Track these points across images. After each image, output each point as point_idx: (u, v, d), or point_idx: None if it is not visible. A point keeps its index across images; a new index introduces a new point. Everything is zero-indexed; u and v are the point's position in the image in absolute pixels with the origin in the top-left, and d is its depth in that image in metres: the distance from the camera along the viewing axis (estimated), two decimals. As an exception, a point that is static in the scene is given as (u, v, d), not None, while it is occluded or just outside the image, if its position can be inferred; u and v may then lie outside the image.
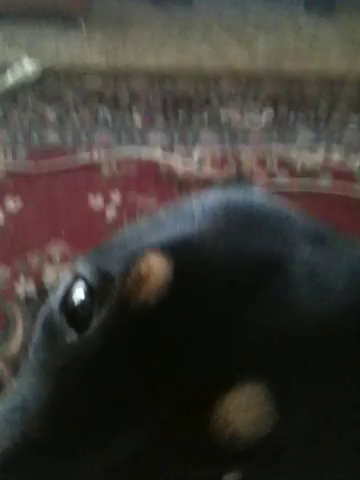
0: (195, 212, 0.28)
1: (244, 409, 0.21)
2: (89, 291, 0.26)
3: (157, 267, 0.24)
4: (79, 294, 0.27)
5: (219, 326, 0.22)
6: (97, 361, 0.24)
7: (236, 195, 0.33)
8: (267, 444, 0.21)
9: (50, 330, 0.28)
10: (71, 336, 0.26)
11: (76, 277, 0.28)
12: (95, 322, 0.25)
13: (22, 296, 1.01)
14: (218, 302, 0.23)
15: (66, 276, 0.30)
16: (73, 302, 0.27)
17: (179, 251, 0.24)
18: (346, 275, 0.27)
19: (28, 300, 1.00)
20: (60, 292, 0.28)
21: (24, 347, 0.93)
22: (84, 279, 0.27)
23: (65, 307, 0.27)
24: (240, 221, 0.28)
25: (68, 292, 0.28)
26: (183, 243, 0.25)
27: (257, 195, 0.34)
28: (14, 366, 0.90)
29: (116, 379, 0.23)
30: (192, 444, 0.21)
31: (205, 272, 0.24)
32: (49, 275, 1.05)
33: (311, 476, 0.23)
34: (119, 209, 1.19)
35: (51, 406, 0.24)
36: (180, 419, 0.21)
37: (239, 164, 1.34)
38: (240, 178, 0.37)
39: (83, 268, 0.28)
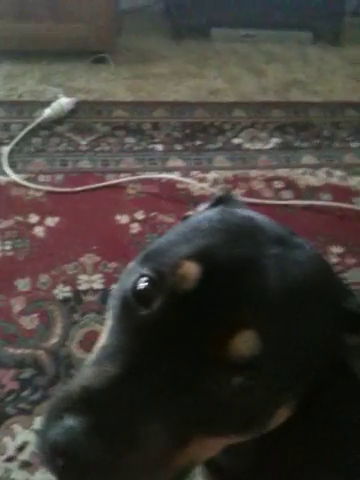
0: (205, 227, 0.48)
1: (245, 341, 0.41)
2: (151, 281, 0.45)
3: (191, 269, 0.43)
4: (142, 284, 0.46)
5: (229, 299, 0.42)
6: (161, 326, 0.43)
7: (226, 213, 0.51)
8: (257, 359, 0.41)
9: (124, 306, 0.46)
10: (141, 310, 0.44)
11: (141, 275, 0.46)
12: (156, 302, 0.44)
13: (60, 298, 1.19)
14: (227, 284, 0.42)
15: (131, 274, 0.48)
16: (140, 288, 0.46)
17: (202, 259, 0.44)
18: (300, 261, 0.46)
19: (65, 301, 1.18)
20: (129, 282, 0.47)
21: (62, 339, 1.11)
22: (147, 275, 0.46)
23: (135, 291, 0.46)
24: (231, 233, 0.47)
25: (136, 283, 0.46)
26: (204, 254, 0.44)
27: (240, 210, 0.53)
28: (53, 355, 1.08)
29: (172, 333, 0.42)
30: (218, 362, 0.41)
31: (217, 269, 0.43)
32: (82, 280, 1.23)
33: (277, 380, 0.43)
34: (142, 224, 1.37)
35: (130, 353, 0.42)
36: (212, 349, 0.41)
37: (248, 185, 1.52)
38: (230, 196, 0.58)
39: (146, 270, 0.46)
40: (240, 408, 0.42)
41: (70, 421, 0.38)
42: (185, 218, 0.58)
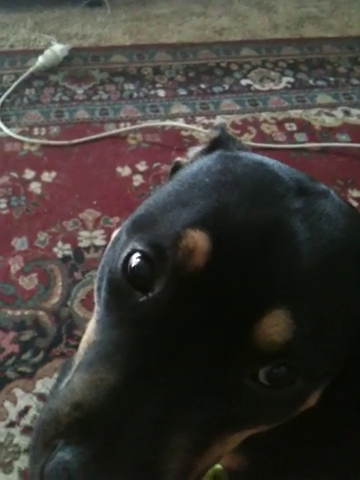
0: (205, 182, 0.37)
1: (275, 325, 0.31)
2: (146, 259, 0.34)
3: (200, 241, 0.33)
4: (136, 262, 0.35)
5: (251, 273, 0.32)
6: (167, 314, 0.32)
7: (229, 161, 0.40)
8: (290, 345, 0.32)
9: (116, 291, 0.36)
10: (138, 296, 0.34)
11: (132, 251, 0.36)
12: (157, 285, 0.33)
13: (60, 256, 1.12)
14: (247, 257, 0.32)
15: (119, 247, 0.38)
16: (133, 268, 0.35)
17: (212, 226, 0.33)
18: (330, 214, 0.36)
19: (65, 259, 1.11)
20: (121, 261, 0.36)
21: (63, 299, 1.04)
22: (140, 251, 0.35)
23: (127, 272, 0.36)
24: (241, 187, 0.36)
25: (127, 261, 0.36)
26: (213, 219, 0.34)
27: (245, 155, 0.41)
28: (54, 316, 1.02)
29: (183, 324, 0.32)
30: (247, 353, 0.32)
31: (232, 238, 0.33)
32: (83, 237, 1.15)
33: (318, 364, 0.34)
34: (145, 176, 1.28)
35: (131, 352, 0.32)
36: (234, 337, 0.32)
37: (258, 129, 1.40)
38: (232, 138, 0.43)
39: (137, 243, 0.36)
40: (274, 401, 0.34)
41: (63, 454, 0.28)
42: (176, 166, 0.46)
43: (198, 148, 0.47)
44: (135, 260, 0.35)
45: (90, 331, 0.37)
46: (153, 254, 0.34)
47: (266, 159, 0.41)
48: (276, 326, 0.31)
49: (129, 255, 0.36)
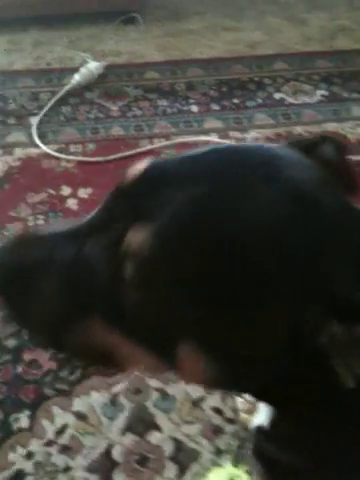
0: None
1: (138, 232, 0.35)
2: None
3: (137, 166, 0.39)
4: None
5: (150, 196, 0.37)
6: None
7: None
8: (150, 256, 0.35)
9: None
10: None
11: None
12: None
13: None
14: (157, 185, 0.37)
15: None
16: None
17: (156, 163, 0.40)
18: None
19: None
20: None
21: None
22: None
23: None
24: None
25: None
26: (163, 162, 0.39)
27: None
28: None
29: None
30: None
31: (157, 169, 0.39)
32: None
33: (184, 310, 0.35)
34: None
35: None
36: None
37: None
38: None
39: None
40: (130, 307, 0.36)
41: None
42: None
43: None
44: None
45: None
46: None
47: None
48: (137, 234, 0.35)
49: None
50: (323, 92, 1.55)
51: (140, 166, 0.39)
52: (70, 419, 0.91)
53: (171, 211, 0.35)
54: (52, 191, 1.31)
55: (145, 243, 0.35)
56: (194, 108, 1.52)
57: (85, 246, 0.39)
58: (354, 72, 1.61)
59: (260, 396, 0.44)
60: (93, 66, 1.62)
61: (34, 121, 1.48)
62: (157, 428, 0.91)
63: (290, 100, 1.54)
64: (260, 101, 1.54)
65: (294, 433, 0.42)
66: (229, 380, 0.38)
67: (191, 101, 1.54)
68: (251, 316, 0.34)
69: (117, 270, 0.36)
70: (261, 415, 0.47)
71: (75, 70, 1.62)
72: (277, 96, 1.56)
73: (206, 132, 1.44)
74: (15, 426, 0.91)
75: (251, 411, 0.82)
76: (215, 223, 0.34)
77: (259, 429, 0.47)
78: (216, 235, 0.34)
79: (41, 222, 1.23)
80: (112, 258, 0.37)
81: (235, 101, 1.54)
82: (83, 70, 1.61)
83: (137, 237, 0.35)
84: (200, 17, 1.90)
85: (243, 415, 0.89)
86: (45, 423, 0.91)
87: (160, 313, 0.35)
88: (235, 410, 0.92)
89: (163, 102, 1.54)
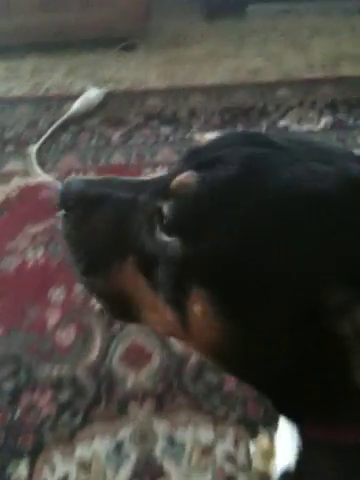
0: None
1: (185, 176, 0.38)
2: None
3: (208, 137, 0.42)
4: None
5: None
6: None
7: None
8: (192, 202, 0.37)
9: None
10: None
11: None
12: None
13: (97, 308, 1.07)
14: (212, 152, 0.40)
15: None
16: None
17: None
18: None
19: (103, 311, 1.06)
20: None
21: (101, 355, 0.99)
22: None
23: None
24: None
25: None
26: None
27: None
28: (93, 373, 0.97)
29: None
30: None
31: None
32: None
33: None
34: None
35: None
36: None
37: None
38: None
39: None
40: (161, 258, 0.39)
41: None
42: None
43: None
44: None
45: None
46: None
47: None
48: (184, 178, 0.38)
49: None
50: (328, 119, 1.53)
51: (210, 135, 0.42)
52: (72, 468, 0.85)
53: (225, 163, 0.36)
54: (52, 221, 1.26)
55: (190, 183, 0.37)
56: (197, 135, 1.49)
57: (141, 193, 0.43)
58: (359, 99, 1.59)
59: (275, 396, 0.41)
60: (93, 93, 1.60)
61: (33, 149, 1.44)
62: (165, 477, 0.85)
63: (294, 127, 1.51)
64: (264, 128, 1.51)
65: (326, 467, 0.39)
66: (237, 350, 0.37)
67: (194, 129, 1.51)
68: (274, 278, 0.33)
69: (156, 213, 0.39)
70: (285, 456, 0.42)
71: (75, 97, 1.60)
72: (281, 123, 1.53)
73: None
74: (13, 476, 0.84)
75: (268, 455, 0.75)
76: (267, 182, 0.34)
77: (285, 474, 0.42)
78: (267, 194, 0.34)
79: (40, 254, 1.18)
80: (155, 202, 0.40)
81: (239, 128, 1.51)
82: (83, 97, 1.59)
83: (183, 178, 0.38)
84: (201, 44, 1.89)
85: (259, 461, 0.83)
86: (46, 472, 0.84)
87: (184, 255, 0.37)
88: (250, 455, 0.86)
89: (166, 129, 1.51)
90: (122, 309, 0.45)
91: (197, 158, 0.40)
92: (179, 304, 0.38)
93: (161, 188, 0.41)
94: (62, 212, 0.47)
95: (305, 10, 2.01)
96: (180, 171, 0.39)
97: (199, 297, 0.36)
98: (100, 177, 0.47)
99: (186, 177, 0.38)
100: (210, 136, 0.43)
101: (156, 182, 0.43)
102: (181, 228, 0.37)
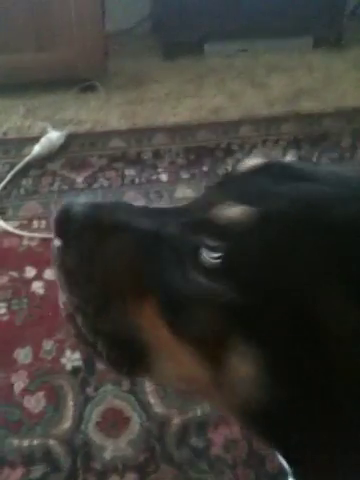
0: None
1: (228, 205, 0.34)
2: None
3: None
4: None
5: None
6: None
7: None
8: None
9: None
10: None
11: None
12: None
13: (68, 368, 1.00)
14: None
15: None
16: None
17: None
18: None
19: (75, 372, 0.99)
20: None
21: (75, 422, 0.91)
22: None
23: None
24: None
25: None
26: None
27: None
28: (67, 444, 0.89)
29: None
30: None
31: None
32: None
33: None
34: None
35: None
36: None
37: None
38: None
39: None
40: (196, 302, 0.33)
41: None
42: None
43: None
44: None
45: None
46: None
47: None
48: (228, 208, 0.34)
49: None
50: (292, 156, 1.53)
51: (252, 161, 0.39)
52: None
53: (283, 199, 0.32)
54: (15, 274, 1.19)
55: (245, 220, 0.32)
56: (163, 177, 1.46)
57: (166, 224, 0.37)
58: (321, 134, 1.61)
59: (301, 456, 0.34)
60: (54, 136, 1.55)
61: (-8, 196, 1.37)
62: None
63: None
64: (230, 168, 1.50)
65: None
66: (279, 414, 0.31)
67: (159, 170, 1.48)
68: (331, 331, 0.29)
69: (192, 250, 0.34)
70: None
71: (34, 140, 1.54)
72: (246, 160, 1.52)
73: (178, 201, 1.38)
74: None
75: None
76: (336, 222, 0.30)
77: None
78: (341, 235, 0.30)
79: (3, 311, 1.10)
80: (188, 237, 0.35)
81: (204, 169, 1.49)
82: (43, 140, 1.53)
83: (237, 213, 0.33)
84: (160, 84, 1.88)
85: None
86: None
87: (234, 304, 0.31)
88: None
89: (131, 171, 1.48)
90: (133, 359, 0.38)
91: (237, 187, 0.35)
92: (214, 359, 0.33)
93: (197, 221, 0.35)
94: (59, 242, 0.40)
95: (261, 48, 2.05)
96: (219, 202, 0.34)
97: (247, 356, 0.31)
98: (108, 201, 0.43)
99: (241, 212, 0.32)
100: (251, 162, 0.39)
101: (182, 212, 0.38)
102: (233, 273, 0.31)
